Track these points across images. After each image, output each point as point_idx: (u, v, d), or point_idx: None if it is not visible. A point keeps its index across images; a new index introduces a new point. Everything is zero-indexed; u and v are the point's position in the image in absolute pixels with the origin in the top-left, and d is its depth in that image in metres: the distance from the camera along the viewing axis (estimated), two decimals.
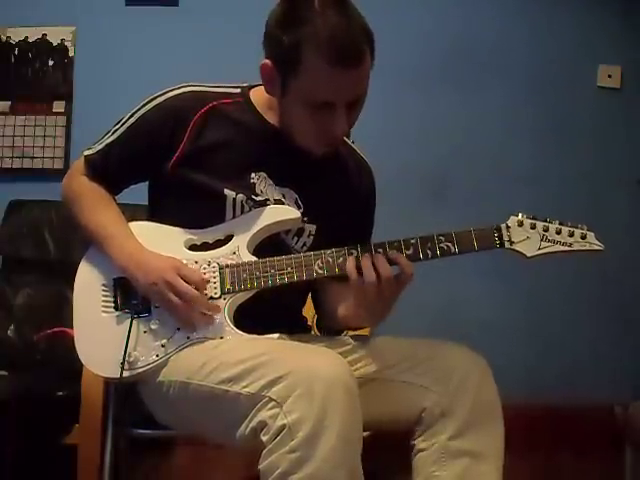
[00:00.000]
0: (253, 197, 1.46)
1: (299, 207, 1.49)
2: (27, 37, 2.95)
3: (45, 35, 2.95)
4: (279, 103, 1.43)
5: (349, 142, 1.61)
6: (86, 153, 1.54)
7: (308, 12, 1.32)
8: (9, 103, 2.95)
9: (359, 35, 1.33)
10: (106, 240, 1.45)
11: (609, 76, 3.02)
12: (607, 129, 3.03)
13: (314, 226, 1.51)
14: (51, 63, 2.95)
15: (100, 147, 1.52)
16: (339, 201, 1.53)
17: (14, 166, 2.94)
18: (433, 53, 3.00)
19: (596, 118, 3.02)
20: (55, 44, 2.95)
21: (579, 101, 3.02)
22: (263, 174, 1.48)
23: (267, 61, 1.38)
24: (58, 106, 2.94)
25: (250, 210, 1.45)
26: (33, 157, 2.94)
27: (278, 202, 1.47)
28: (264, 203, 1.46)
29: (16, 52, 2.96)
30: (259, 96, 1.50)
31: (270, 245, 1.46)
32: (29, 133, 2.94)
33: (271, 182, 1.48)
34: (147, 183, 1.56)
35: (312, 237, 1.51)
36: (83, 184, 1.53)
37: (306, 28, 1.31)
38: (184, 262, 1.41)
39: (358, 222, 1.57)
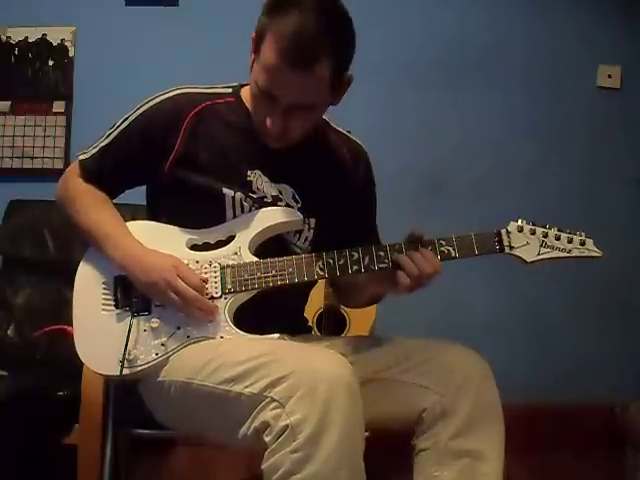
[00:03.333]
0: (251, 195, 1.46)
1: (297, 202, 1.49)
2: (27, 37, 2.94)
3: (45, 35, 2.94)
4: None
5: (344, 131, 1.60)
6: (80, 157, 1.55)
7: (293, 4, 1.31)
8: (9, 103, 2.94)
9: (321, 41, 1.30)
10: (102, 239, 1.45)
11: (609, 76, 3.01)
12: (607, 129, 3.03)
13: (313, 219, 1.51)
14: (51, 63, 2.95)
15: (94, 151, 1.53)
16: (336, 192, 1.54)
17: (14, 166, 2.93)
18: (431, 52, 2.99)
19: (596, 118, 3.02)
20: (55, 44, 2.95)
21: (579, 101, 3.02)
22: (258, 172, 1.48)
23: (254, 33, 1.39)
24: (58, 106, 2.93)
25: (250, 208, 1.46)
26: (33, 157, 2.93)
27: (275, 198, 1.48)
28: (262, 200, 1.47)
29: (16, 52, 2.95)
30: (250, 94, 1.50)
31: (271, 243, 1.46)
32: (29, 133, 2.93)
33: (267, 179, 1.48)
34: (145, 186, 1.56)
35: (312, 230, 1.51)
36: (78, 186, 1.53)
37: (278, 18, 1.31)
38: (185, 262, 1.41)
39: (359, 210, 1.57)
